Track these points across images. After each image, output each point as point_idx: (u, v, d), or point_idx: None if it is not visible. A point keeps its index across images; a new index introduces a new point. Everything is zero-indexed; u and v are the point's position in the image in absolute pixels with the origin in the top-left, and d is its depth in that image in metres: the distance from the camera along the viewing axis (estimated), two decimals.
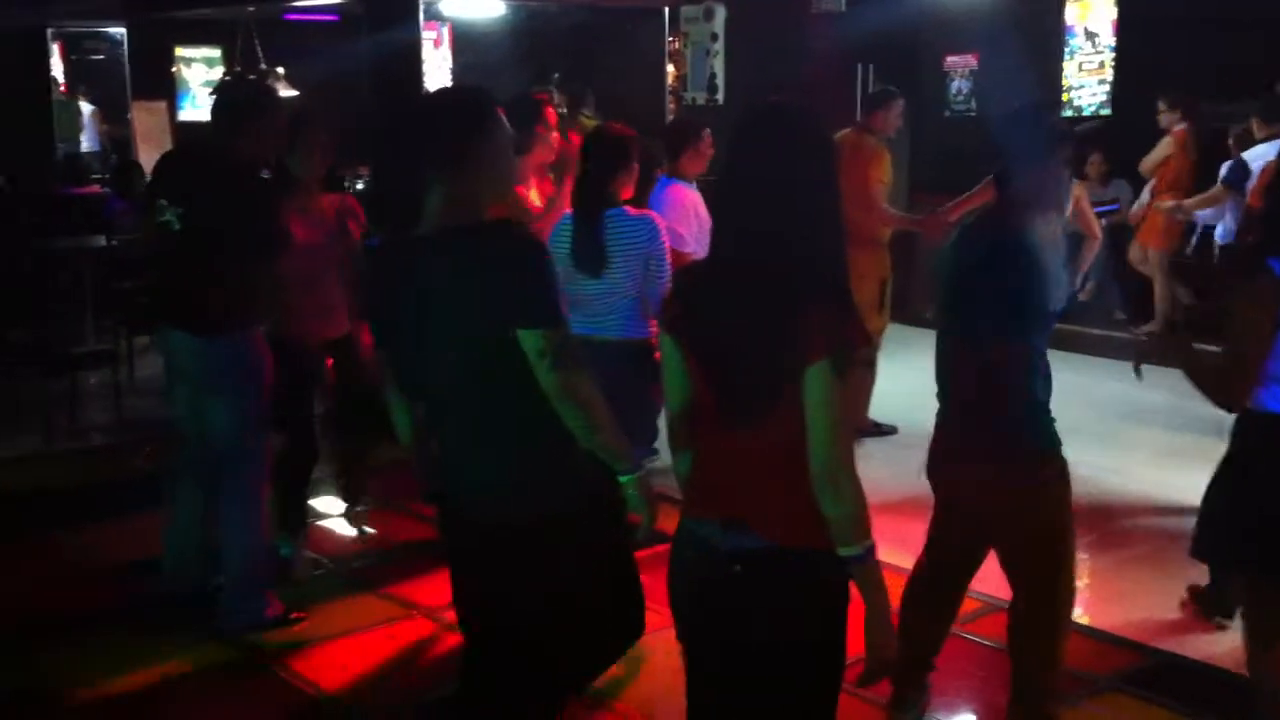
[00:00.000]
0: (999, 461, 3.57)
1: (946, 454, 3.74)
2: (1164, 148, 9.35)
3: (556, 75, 11.71)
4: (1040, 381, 3.56)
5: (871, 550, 2.49)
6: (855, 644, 2.57)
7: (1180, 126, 9.26)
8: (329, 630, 4.82)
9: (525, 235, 3.05)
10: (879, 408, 7.13)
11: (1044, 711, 3.77)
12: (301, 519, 5.52)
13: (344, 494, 6.16)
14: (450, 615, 4.83)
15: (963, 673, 4.22)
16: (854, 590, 2.53)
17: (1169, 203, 9.13)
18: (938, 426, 3.77)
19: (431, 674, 4.48)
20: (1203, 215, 9.18)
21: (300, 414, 5.30)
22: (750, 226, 2.51)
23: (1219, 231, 9.08)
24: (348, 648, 4.70)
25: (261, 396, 4.67)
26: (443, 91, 3.47)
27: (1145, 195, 9.57)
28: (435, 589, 5.10)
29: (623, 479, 3.03)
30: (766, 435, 2.49)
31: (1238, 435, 3.43)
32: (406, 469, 3.38)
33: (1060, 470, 3.63)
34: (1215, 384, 3.34)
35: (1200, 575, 4.72)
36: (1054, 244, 3.57)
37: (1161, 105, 9.38)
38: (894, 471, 3.91)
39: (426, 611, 4.98)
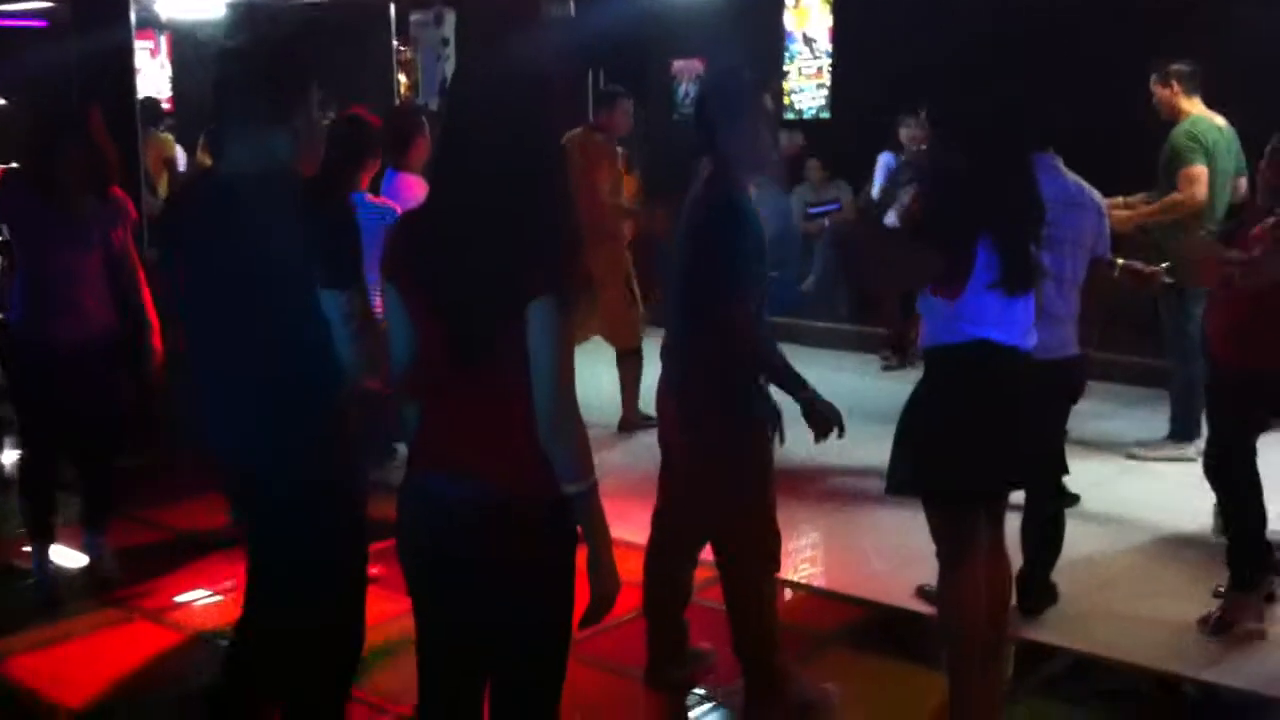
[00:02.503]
0: (704, 424, 3.72)
1: (661, 415, 3.89)
2: None
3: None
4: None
5: (594, 488, 2.51)
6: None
7: None
8: (46, 637, 4.60)
9: (335, 194, 3.03)
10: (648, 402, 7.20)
11: (769, 666, 3.90)
12: (103, 513, 5.21)
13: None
14: (175, 617, 4.73)
15: (705, 637, 4.30)
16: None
17: None
18: (659, 392, 3.91)
19: (155, 675, 4.33)
20: None
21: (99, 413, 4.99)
22: (469, 167, 2.50)
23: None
24: (65, 653, 4.49)
25: None
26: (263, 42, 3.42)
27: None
28: (159, 593, 4.99)
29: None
30: (492, 377, 2.49)
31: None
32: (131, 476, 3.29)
33: (761, 437, 3.76)
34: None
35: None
36: (775, 206, 3.70)
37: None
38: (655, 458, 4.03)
39: (149, 615, 4.81)
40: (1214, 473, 4.72)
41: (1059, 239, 3.76)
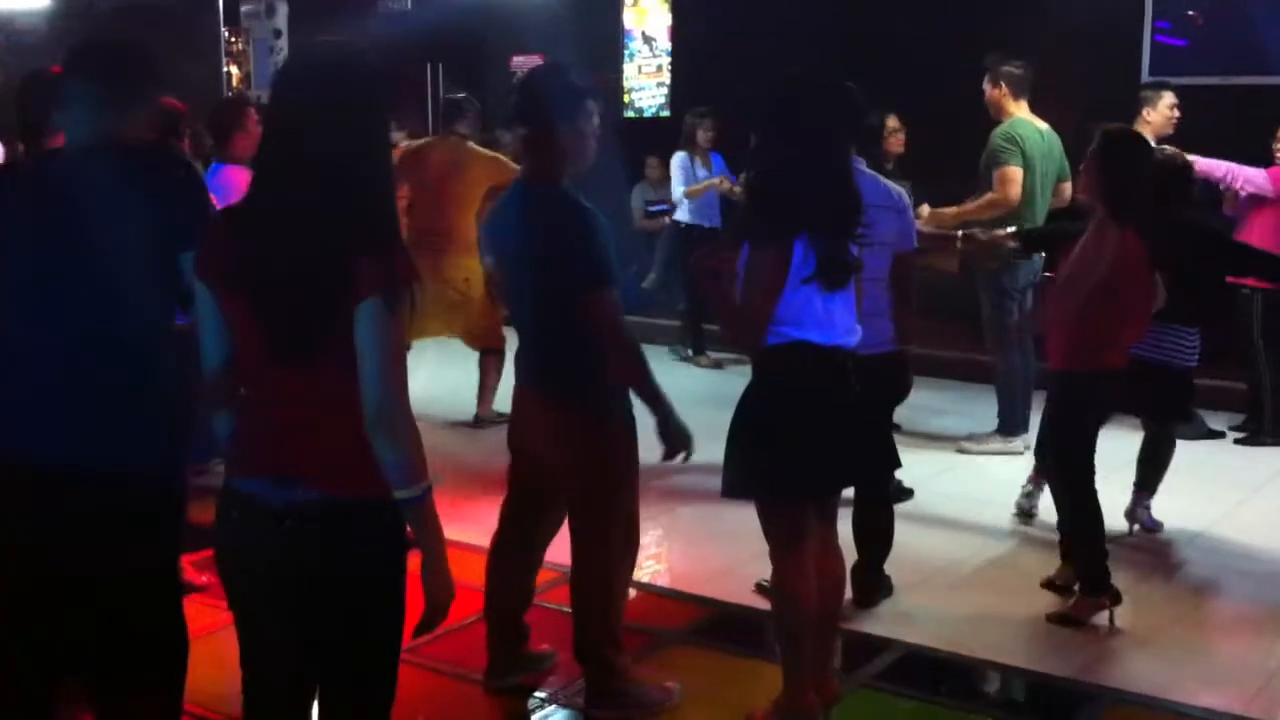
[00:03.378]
0: (572, 422, 3.73)
1: (521, 415, 3.91)
2: None
3: None
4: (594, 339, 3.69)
5: (428, 492, 2.45)
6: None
7: None
8: None
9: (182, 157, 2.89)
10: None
11: (610, 665, 3.90)
12: None
13: None
14: None
15: (545, 640, 4.27)
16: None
17: None
18: (518, 393, 3.93)
19: None
20: None
21: None
22: (293, 163, 2.42)
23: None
24: None
25: None
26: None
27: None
28: None
29: None
30: (317, 378, 2.42)
31: None
32: None
33: (618, 430, 3.77)
34: None
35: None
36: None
37: None
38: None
39: None
40: (1053, 470, 4.85)
41: (874, 240, 3.84)
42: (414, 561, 2.51)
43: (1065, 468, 4.77)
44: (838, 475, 3.75)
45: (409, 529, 2.48)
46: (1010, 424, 6.87)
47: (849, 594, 4.22)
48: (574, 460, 3.76)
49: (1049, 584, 4.92)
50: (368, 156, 2.46)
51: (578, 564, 3.89)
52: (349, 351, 2.37)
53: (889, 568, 4.86)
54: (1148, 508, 5.61)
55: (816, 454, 3.56)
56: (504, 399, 6.62)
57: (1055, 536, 5.03)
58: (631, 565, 4.00)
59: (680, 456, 3.75)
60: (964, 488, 6.33)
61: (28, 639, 2.82)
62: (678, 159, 9.29)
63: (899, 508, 5.06)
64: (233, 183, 5.72)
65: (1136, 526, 5.59)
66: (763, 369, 3.63)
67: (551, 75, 3.85)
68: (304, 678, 2.61)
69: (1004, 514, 5.87)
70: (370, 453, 2.40)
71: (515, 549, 4.03)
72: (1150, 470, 5.59)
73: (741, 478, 3.64)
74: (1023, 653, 4.45)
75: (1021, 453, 6.80)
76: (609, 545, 3.84)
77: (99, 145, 2.85)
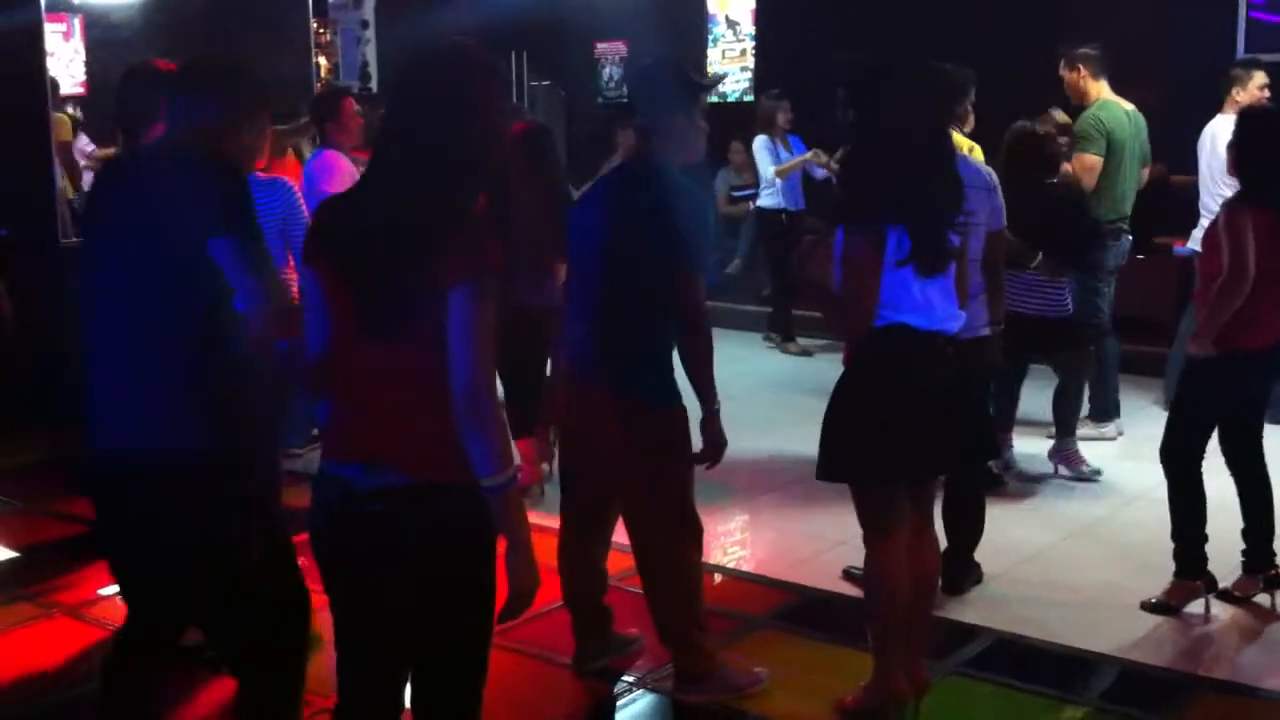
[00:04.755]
0: (624, 405, 3.74)
1: (570, 389, 3.92)
2: None
3: None
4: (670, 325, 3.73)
5: (513, 479, 2.47)
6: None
7: None
8: None
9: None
10: None
11: (695, 649, 3.91)
12: None
13: None
14: (95, 612, 4.64)
15: (633, 623, 4.30)
16: None
17: None
18: (567, 374, 3.95)
19: (76, 671, 4.22)
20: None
21: None
22: (404, 152, 2.49)
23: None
24: None
25: None
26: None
27: None
28: (78, 587, 4.90)
29: None
30: (406, 363, 2.46)
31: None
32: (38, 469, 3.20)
33: (672, 414, 3.79)
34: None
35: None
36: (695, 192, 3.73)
37: None
38: None
39: (68, 610, 4.72)
40: (1164, 459, 4.68)
41: (972, 222, 3.81)
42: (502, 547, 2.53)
43: (1178, 447, 4.63)
44: (933, 461, 3.71)
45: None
46: (1103, 409, 6.77)
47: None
48: (629, 446, 3.76)
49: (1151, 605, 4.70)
50: (476, 147, 2.51)
51: (641, 551, 3.92)
52: (438, 338, 2.41)
53: (978, 554, 4.82)
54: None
55: (912, 438, 3.53)
56: None
57: (1146, 522, 4.96)
58: (699, 547, 3.98)
59: (707, 465, 3.83)
60: (1050, 470, 6.25)
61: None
62: (760, 142, 9.27)
63: (991, 493, 5.02)
64: (326, 163, 5.91)
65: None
66: (860, 352, 3.60)
67: (665, 66, 3.90)
68: (397, 660, 2.65)
69: (1095, 499, 5.80)
70: (454, 437, 2.43)
71: (580, 534, 4.06)
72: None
73: (837, 461, 3.63)
74: (1114, 640, 4.40)
75: (1114, 438, 6.72)
76: (669, 528, 3.85)
77: (181, 147, 3.01)
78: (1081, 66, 6.62)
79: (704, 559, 4.09)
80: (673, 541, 3.87)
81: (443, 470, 2.47)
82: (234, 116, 3.11)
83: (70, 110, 10.51)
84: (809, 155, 9.04)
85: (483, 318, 2.42)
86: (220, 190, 2.94)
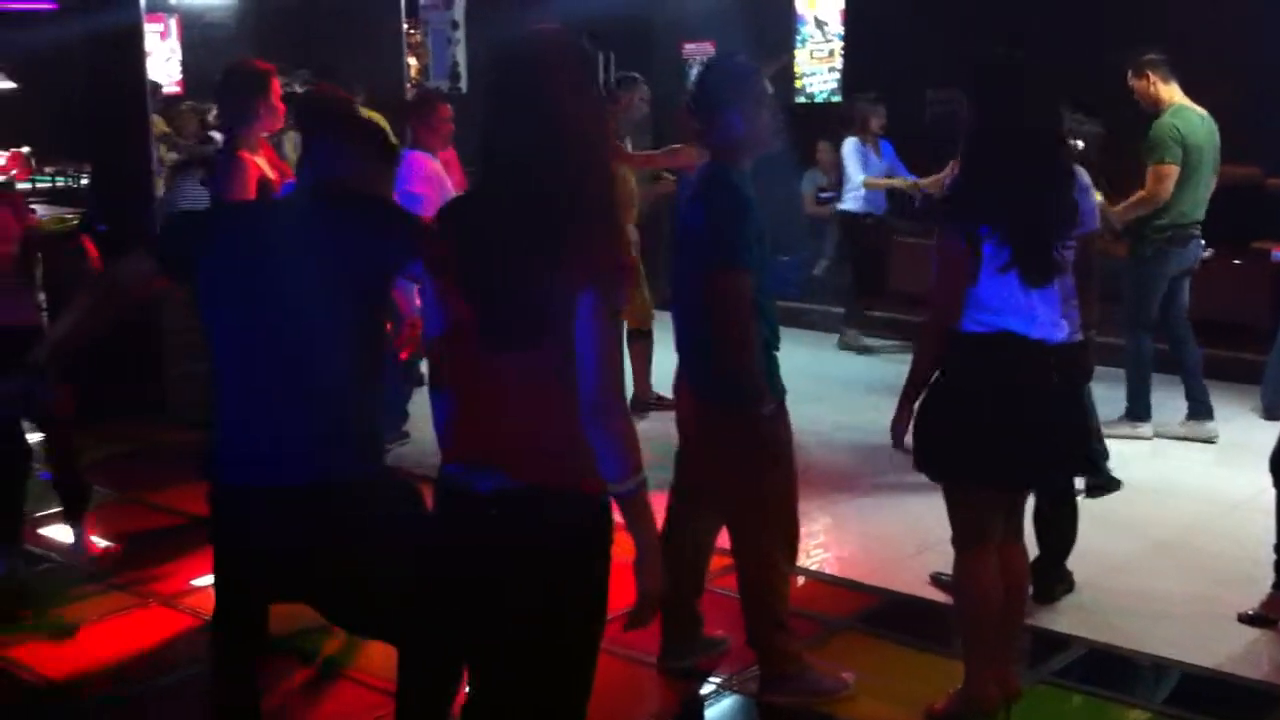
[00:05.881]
0: (706, 399, 3.74)
1: (678, 399, 3.92)
2: None
3: (303, 71, 11.43)
4: (760, 326, 3.68)
5: (643, 484, 2.46)
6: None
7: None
8: (57, 624, 4.59)
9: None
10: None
11: (782, 652, 3.90)
12: (15, 526, 5.11)
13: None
14: (189, 602, 4.72)
15: (720, 626, 4.30)
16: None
17: None
18: (677, 376, 3.92)
19: (170, 659, 4.33)
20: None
21: None
22: (512, 155, 2.44)
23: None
24: (78, 639, 4.49)
25: None
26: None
27: None
28: (173, 577, 4.99)
29: None
30: (530, 367, 2.43)
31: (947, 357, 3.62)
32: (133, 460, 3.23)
33: (764, 416, 3.72)
34: None
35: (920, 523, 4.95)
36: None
37: None
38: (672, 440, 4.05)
39: (163, 599, 4.81)
40: (1274, 467, 4.51)
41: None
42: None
43: None
44: (1034, 470, 3.66)
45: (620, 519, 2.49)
46: (1142, 409, 6.67)
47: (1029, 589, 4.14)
48: (722, 450, 3.75)
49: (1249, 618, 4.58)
50: (586, 145, 2.46)
51: (738, 553, 3.91)
52: (564, 342, 2.39)
53: (1068, 562, 4.75)
54: None
55: (1014, 446, 3.48)
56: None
57: (1241, 532, 4.85)
58: (793, 552, 3.98)
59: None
60: (1145, 476, 6.13)
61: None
62: (851, 145, 9.14)
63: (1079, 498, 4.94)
64: (413, 164, 5.98)
65: None
66: (958, 352, 3.54)
67: (727, 63, 3.87)
68: (509, 660, 2.59)
69: (1186, 507, 5.69)
70: (579, 443, 2.42)
71: (684, 535, 4.05)
72: None
73: (937, 461, 3.59)
74: (1209, 652, 4.31)
75: (1149, 438, 6.60)
76: (764, 533, 3.83)
77: (318, 189, 3.03)
78: (1150, 73, 6.50)
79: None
80: (763, 544, 3.85)
81: (566, 474, 2.46)
82: (373, 169, 3.12)
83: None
84: (906, 185, 8.89)
85: (608, 321, 2.41)
86: (405, 223, 2.99)
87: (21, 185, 11.80)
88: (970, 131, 3.52)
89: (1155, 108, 6.52)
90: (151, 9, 10.26)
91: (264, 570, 2.99)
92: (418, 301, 2.73)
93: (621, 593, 2.56)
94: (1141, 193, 6.42)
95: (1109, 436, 6.50)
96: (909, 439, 3.64)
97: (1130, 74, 6.56)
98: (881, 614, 4.67)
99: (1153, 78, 6.50)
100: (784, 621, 3.91)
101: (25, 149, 12.59)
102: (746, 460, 3.77)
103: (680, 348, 3.86)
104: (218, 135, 10.11)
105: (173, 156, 9.58)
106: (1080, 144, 5.87)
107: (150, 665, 4.32)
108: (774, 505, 3.85)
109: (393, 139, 3.37)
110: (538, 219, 2.40)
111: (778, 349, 3.80)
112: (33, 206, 10.18)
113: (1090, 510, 5.17)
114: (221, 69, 5.33)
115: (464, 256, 2.48)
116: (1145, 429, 6.67)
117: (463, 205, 2.67)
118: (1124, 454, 6.22)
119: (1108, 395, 6.31)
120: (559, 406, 2.42)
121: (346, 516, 2.91)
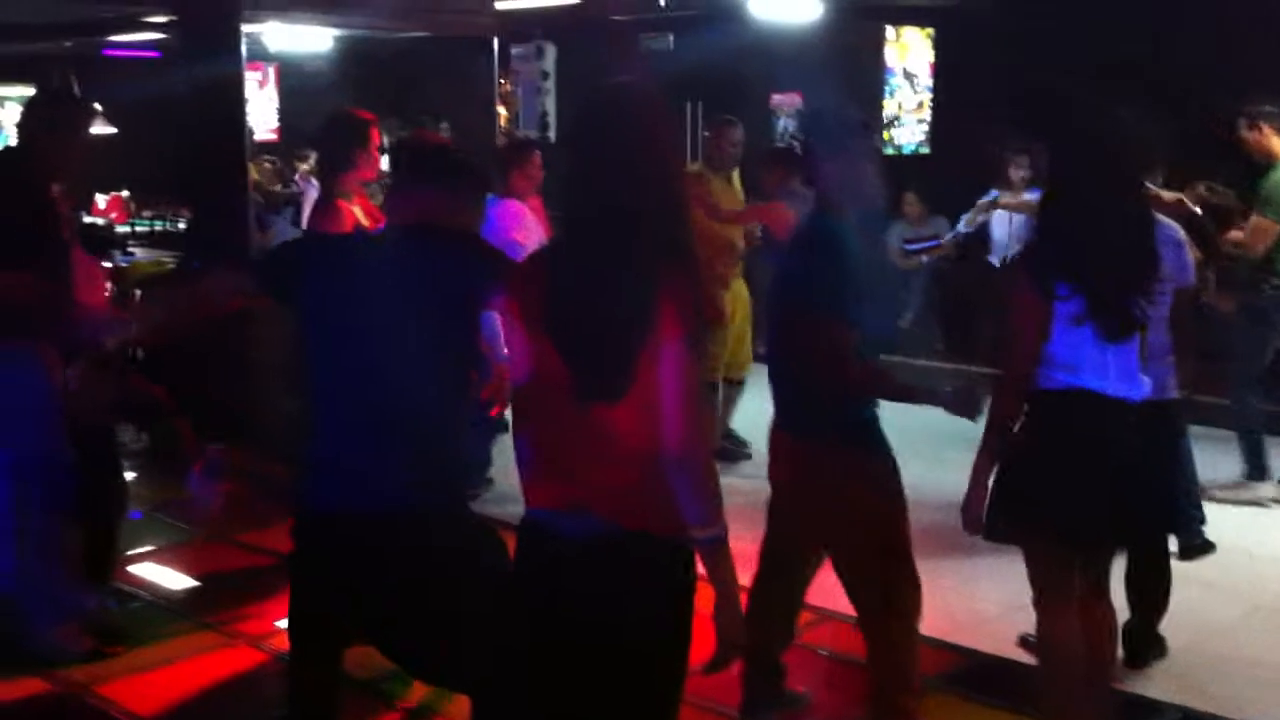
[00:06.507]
0: (816, 457, 3.66)
1: (772, 448, 3.85)
2: None
3: (393, 120, 11.64)
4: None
5: (724, 533, 2.48)
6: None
7: None
8: (146, 661, 4.65)
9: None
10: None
11: (902, 711, 3.79)
12: (109, 564, 5.13)
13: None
14: (275, 642, 4.76)
15: (802, 682, 4.25)
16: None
17: None
18: (773, 427, 3.86)
19: (255, 699, 4.37)
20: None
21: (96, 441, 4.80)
22: (601, 206, 2.49)
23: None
24: (166, 677, 4.54)
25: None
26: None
27: None
28: (260, 618, 5.04)
29: None
30: (617, 414, 2.46)
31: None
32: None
33: (881, 472, 3.69)
34: None
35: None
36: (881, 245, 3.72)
37: None
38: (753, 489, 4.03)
39: (250, 640, 4.85)
40: None
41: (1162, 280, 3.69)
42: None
43: None
44: (1112, 530, 3.60)
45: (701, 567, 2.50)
46: (1260, 469, 6.51)
47: (1120, 653, 4.05)
48: (827, 506, 3.68)
49: None
50: (670, 195, 2.51)
51: (863, 607, 3.79)
52: (651, 389, 2.42)
53: (1161, 627, 4.64)
54: None
55: (1091, 506, 3.43)
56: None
57: None
58: (917, 607, 3.84)
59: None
60: (1236, 539, 5.97)
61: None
62: (990, 198, 8.96)
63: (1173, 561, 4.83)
64: (507, 210, 6.05)
65: None
66: (1035, 411, 3.51)
67: (837, 112, 3.88)
68: (593, 704, 2.60)
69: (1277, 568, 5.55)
70: (664, 489, 2.44)
71: (776, 587, 4.00)
72: None
73: (1012, 522, 3.53)
74: None
75: (1268, 501, 6.45)
76: (878, 589, 3.74)
77: (410, 225, 3.08)
78: (1264, 124, 6.39)
79: None
80: (892, 593, 3.73)
81: (650, 520, 2.48)
82: (461, 205, 3.17)
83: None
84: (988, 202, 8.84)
85: (693, 369, 2.44)
86: (492, 256, 3.04)
87: (120, 228, 12.14)
88: (1048, 183, 3.52)
89: (1271, 159, 6.42)
90: (251, 58, 10.52)
91: (343, 601, 2.97)
92: (505, 350, 2.74)
93: (700, 644, 2.56)
94: (1239, 237, 6.32)
95: (1223, 500, 6.39)
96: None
97: (1243, 124, 6.46)
98: (970, 674, 4.59)
99: (1266, 130, 6.40)
100: (911, 682, 3.77)
101: (125, 193, 12.93)
102: (862, 515, 3.67)
103: (778, 397, 3.81)
104: (300, 182, 10.37)
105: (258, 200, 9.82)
106: (1198, 210, 5.83)
107: (235, 704, 4.37)
108: (891, 561, 3.72)
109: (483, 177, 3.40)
110: (629, 271, 2.44)
111: (879, 404, 3.74)
112: (131, 249, 10.54)
113: (1187, 573, 5.05)
114: (317, 117, 5.45)
115: (555, 306, 2.51)
116: (1265, 489, 6.51)
117: (552, 255, 2.70)
118: (1227, 516, 6.08)
119: (1220, 458, 6.18)
120: (646, 454, 2.44)
121: (429, 547, 2.93)
